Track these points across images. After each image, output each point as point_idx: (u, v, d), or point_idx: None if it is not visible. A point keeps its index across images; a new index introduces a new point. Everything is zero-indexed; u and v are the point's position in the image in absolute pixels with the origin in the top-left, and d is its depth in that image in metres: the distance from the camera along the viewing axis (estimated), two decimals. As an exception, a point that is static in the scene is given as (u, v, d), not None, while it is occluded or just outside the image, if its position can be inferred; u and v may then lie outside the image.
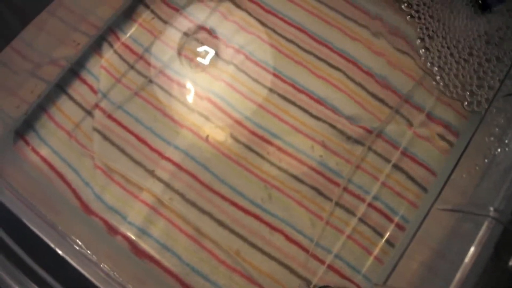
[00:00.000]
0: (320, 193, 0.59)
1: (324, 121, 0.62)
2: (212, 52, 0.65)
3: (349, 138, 0.61)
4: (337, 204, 0.59)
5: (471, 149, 0.54)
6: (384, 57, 0.64)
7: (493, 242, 0.38)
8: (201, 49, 0.66)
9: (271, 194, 0.59)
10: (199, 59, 0.65)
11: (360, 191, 0.60)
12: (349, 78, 0.65)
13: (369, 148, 0.61)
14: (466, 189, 0.48)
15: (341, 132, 0.62)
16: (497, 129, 0.48)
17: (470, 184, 0.48)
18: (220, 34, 0.66)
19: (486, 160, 0.47)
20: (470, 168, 0.50)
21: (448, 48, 0.62)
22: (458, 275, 0.37)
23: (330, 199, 0.59)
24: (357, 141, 0.61)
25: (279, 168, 0.60)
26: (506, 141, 0.44)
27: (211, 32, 0.66)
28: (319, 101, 0.63)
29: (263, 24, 0.68)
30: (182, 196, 0.59)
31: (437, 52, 0.62)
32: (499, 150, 0.44)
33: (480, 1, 0.60)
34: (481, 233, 0.39)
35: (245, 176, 0.60)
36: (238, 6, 0.68)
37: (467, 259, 0.38)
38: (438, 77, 0.62)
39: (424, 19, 0.64)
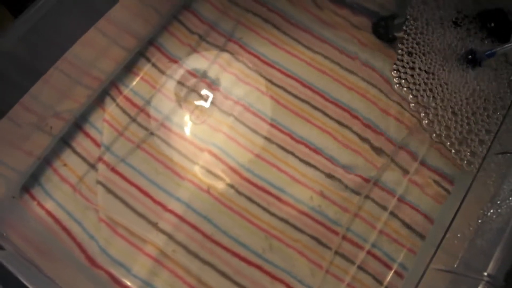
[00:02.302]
0: (319, 242, 0.61)
1: (322, 171, 0.65)
2: (212, 104, 0.67)
3: (346, 187, 0.63)
4: (337, 252, 0.61)
5: (464, 207, 0.56)
6: (377, 106, 0.67)
7: None
8: (200, 101, 0.68)
9: (272, 244, 0.61)
10: (199, 111, 0.67)
11: (358, 239, 0.61)
12: (345, 127, 0.67)
13: (366, 197, 0.63)
14: (459, 249, 0.50)
15: (339, 181, 0.64)
16: (490, 188, 0.51)
17: (463, 245, 0.50)
18: (220, 85, 0.69)
19: (479, 221, 0.49)
20: (464, 227, 0.52)
21: (441, 102, 0.64)
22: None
23: (329, 248, 0.61)
24: (354, 191, 0.63)
25: (280, 218, 0.62)
26: (498, 202, 0.46)
27: (210, 84, 0.69)
28: (316, 150, 0.65)
29: (261, 75, 0.70)
30: (185, 247, 0.61)
31: (428, 105, 0.65)
32: (491, 210, 0.47)
33: (470, 57, 0.63)
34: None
35: (246, 227, 0.62)
36: (236, 58, 0.71)
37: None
38: (429, 128, 0.64)
39: (412, 71, 0.66)
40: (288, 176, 0.64)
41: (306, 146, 0.66)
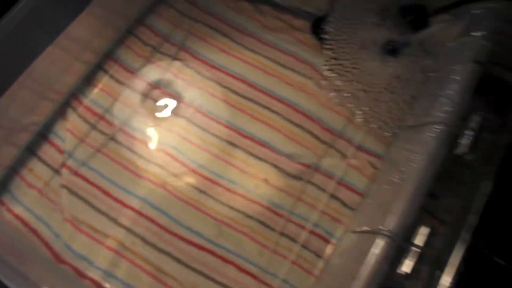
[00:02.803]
0: (266, 225, 0.67)
1: (267, 161, 0.71)
2: (166, 108, 0.74)
3: (289, 174, 0.69)
4: (282, 234, 0.67)
5: (382, 176, 0.63)
6: (316, 99, 0.74)
7: (388, 256, 0.46)
8: (156, 106, 0.75)
9: (222, 230, 0.67)
10: (155, 115, 0.74)
11: (301, 220, 0.67)
12: (288, 120, 0.73)
13: (308, 182, 0.69)
14: (371, 211, 0.56)
15: (283, 170, 0.70)
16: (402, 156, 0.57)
17: (374, 207, 0.56)
18: (173, 91, 0.75)
19: (388, 186, 0.56)
20: (379, 193, 0.58)
21: (367, 89, 0.71)
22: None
23: (275, 230, 0.67)
24: (296, 177, 0.69)
25: (229, 207, 0.68)
26: (403, 169, 0.52)
27: (164, 91, 0.75)
28: (262, 144, 0.72)
29: (210, 79, 0.77)
30: (143, 239, 0.67)
31: (357, 95, 0.72)
32: (399, 176, 0.53)
33: (390, 47, 0.70)
34: (379, 250, 0.47)
35: (199, 216, 0.68)
36: (187, 65, 0.78)
37: (365, 271, 0.46)
38: (361, 114, 0.71)
39: (341, 64, 0.73)
40: (236, 168, 0.70)
41: (253, 140, 0.72)
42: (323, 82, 0.74)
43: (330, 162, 0.69)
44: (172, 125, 0.72)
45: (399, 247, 0.45)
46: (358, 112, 0.71)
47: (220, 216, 0.67)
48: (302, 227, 0.66)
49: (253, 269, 0.64)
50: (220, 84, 0.75)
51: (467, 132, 0.50)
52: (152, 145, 0.71)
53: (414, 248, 0.46)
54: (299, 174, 0.68)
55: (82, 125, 0.73)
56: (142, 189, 0.68)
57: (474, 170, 0.49)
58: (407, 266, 0.45)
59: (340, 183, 0.68)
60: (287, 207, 0.67)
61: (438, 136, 0.49)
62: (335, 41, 0.73)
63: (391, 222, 0.46)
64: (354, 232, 0.54)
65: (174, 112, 0.73)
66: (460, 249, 0.48)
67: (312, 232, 0.66)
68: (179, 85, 0.75)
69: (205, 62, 0.77)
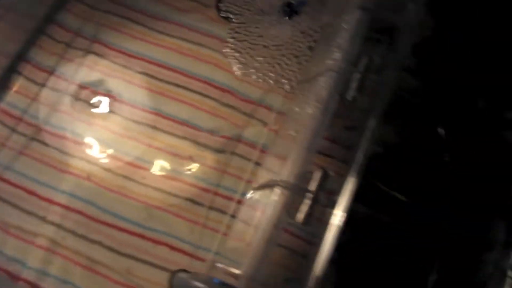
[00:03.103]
0: (194, 202, 0.68)
1: (189, 139, 0.71)
2: (83, 102, 0.74)
3: (213, 149, 0.70)
4: (211, 208, 0.67)
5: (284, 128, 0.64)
6: (232, 73, 0.75)
7: (285, 205, 0.47)
8: (74, 101, 0.74)
9: (151, 213, 0.67)
10: (73, 109, 0.73)
11: (228, 192, 0.68)
12: (206, 96, 0.74)
13: (232, 153, 0.70)
14: (274, 166, 0.57)
15: (205, 145, 0.70)
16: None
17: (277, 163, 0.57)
18: (90, 84, 0.75)
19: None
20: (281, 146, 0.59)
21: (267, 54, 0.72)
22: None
23: (203, 205, 0.67)
24: (219, 150, 0.70)
25: (155, 189, 0.69)
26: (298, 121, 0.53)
27: (81, 85, 0.75)
28: (182, 123, 0.72)
29: (126, 67, 0.77)
30: (73, 233, 0.66)
31: (257, 57, 0.72)
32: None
33: (287, 9, 0.71)
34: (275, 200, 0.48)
35: (126, 202, 0.68)
36: (101, 56, 0.77)
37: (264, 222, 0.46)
38: (260, 75, 0.72)
39: (245, 33, 0.74)
40: (158, 150, 0.71)
41: (173, 120, 0.72)
42: (231, 54, 0.74)
43: (252, 131, 0.70)
44: (90, 117, 0.72)
45: (295, 194, 0.45)
46: (259, 74, 0.71)
47: (147, 199, 0.67)
48: (230, 198, 0.66)
49: (185, 247, 0.64)
50: (137, 71, 0.75)
51: (356, 75, 0.51)
52: (73, 139, 0.70)
53: (309, 194, 0.47)
54: (222, 147, 0.69)
55: (1, 129, 0.72)
56: (68, 184, 0.68)
57: (363, 110, 0.50)
58: (302, 211, 0.46)
59: (264, 150, 0.68)
60: (213, 181, 0.67)
61: (328, 84, 0.50)
62: (236, 14, 0.74)
63: (285, 173, 0.47)
64: (257, 188, 0.55)
65: (94, 104, 0.73)
66: (351, 188, 0.49)
67: (240, 202, 0.66)
68: (96, 77, 0.75)
69: (120, 51, 0.77)
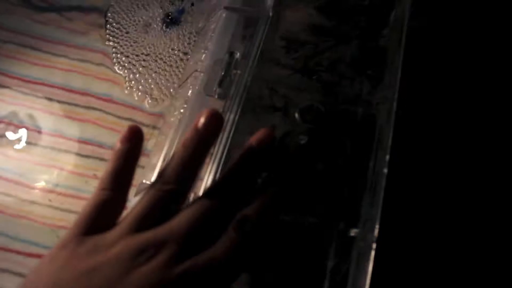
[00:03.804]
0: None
1: (95, 157, 0.72)
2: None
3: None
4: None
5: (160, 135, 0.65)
6: (120, 86, 0.76)
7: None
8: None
9: (59, 235, 0.67)
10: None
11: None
12: (108, 113, 0.75)
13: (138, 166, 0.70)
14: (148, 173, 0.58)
15: (109, 161, 0.71)
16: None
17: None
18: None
19: None
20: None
21: (156, 66, 0.74)
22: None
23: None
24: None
25: (62, 210, 0.69)
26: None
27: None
28: (86, 142, 0.73)
29: (25, 93, 0.77)
30: (-19, 264, 0.66)
31: (146, 76, 0.74)
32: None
33: (168, 19, 0.73)
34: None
35: (33, 227, 0.68)
36: (0, 85, 0.77)
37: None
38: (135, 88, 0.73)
39: (129, 50, 0.75)
40: (64, 170, 0.71)
41: (77, 140, 0.73)
42: (121, 72, 0.76)
43: (154, 143, 0.71)
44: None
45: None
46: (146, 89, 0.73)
47: (54, 221, 0.67)
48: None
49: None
50: (36, 96, 0.75)
51: (219, 73, 0.53)
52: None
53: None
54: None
55: None
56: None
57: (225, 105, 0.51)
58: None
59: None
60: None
61: (194, 86, 0.52)
62: (120, 34, 0.76)
63: (151, 176, 0.48)
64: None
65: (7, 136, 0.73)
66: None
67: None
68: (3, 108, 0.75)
69: (19, 79, 0.77)
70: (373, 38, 0.56)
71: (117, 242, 0.37)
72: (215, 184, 0.43)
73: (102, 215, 0.40)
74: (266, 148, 0.42)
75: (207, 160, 0.48)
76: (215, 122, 0.41)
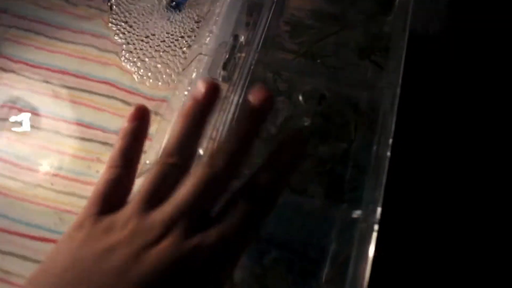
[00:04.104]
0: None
1: (96, 141, 0.72)
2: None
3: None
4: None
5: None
6: (128, 72, 0.76)
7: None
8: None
9: (61, 217, 0.68)
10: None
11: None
12: (112, 98, 0.75)
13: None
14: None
15: (112, 146, 0.71)
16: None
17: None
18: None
19: None
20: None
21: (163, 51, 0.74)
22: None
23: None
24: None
25: (65, 193, 0.69)
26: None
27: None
28: (88, 126, 0.73)
29: (30, 78, 0.77)
30: (-16, 246, 0.66)
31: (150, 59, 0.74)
32: None
33: (172, 5, 0.73)
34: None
35: (36, 210, 0.68)
36: (4, 69, 0.78)
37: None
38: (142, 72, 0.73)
39: (134, 34, 0.75)
40: (67, 155, 0.71)
41: (79, 124, 0.73)
42: (127, 57, 0.76)
43: (155, 128, 0.71)
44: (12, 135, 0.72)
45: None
46: (153, 75, 0.73)
47: (57, 204, 0.67)
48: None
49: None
50: (42, 80, 0.76)
51: (224, 56, 0.53)
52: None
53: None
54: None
55: None
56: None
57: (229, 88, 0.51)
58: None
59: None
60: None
61: (198, 69, 0.52)
62: (124, 22, 0.76)
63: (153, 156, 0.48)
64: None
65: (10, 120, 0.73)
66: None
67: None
68: (1, 91, 0.75)
69: (24, 63, 0.77)
70: (378, 24, 0.56)
71: (130, 220, 0.38)
72: (216, 148, 0.43)
73: (114, 193, 0.41)
74: (266, 108, 0.42)
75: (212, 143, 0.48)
76: (211, 89, 0.42)
